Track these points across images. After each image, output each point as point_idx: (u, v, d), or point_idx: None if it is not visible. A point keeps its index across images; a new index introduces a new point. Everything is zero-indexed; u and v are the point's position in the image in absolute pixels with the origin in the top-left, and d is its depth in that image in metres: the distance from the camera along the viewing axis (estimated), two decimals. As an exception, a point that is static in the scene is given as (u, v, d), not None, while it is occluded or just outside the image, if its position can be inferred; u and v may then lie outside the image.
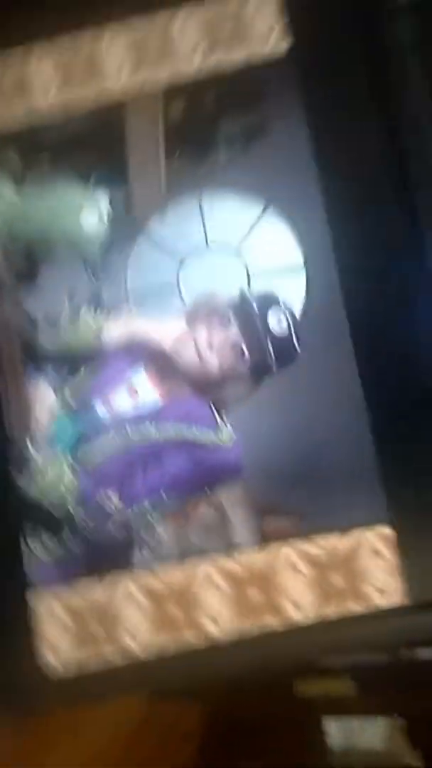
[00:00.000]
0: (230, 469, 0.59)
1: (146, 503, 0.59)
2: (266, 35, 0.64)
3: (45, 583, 0.60)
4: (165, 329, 0.62)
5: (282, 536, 0.58)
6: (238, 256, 0.62)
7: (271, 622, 0.58)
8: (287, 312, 0.60)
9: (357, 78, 0.62)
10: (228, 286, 0.62)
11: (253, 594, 0.58)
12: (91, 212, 0.63)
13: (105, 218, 0.63)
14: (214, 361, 0.60)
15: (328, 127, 0.62)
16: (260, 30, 0.64)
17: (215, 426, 0.59)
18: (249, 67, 0.64)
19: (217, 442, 0.59)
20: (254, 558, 0.58)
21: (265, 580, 0.58)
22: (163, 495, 0.59)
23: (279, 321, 0.59)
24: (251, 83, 0.64)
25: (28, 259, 0.64)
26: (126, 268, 0.63)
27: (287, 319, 0.59)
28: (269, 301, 0.60)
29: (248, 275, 0.62)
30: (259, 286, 0.62)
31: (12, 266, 0.64)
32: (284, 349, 0.59)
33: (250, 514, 0.59)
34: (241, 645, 0.58)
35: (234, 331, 0.60)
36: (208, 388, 0.60)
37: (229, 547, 0.59)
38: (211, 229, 0.63)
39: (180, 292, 0.63)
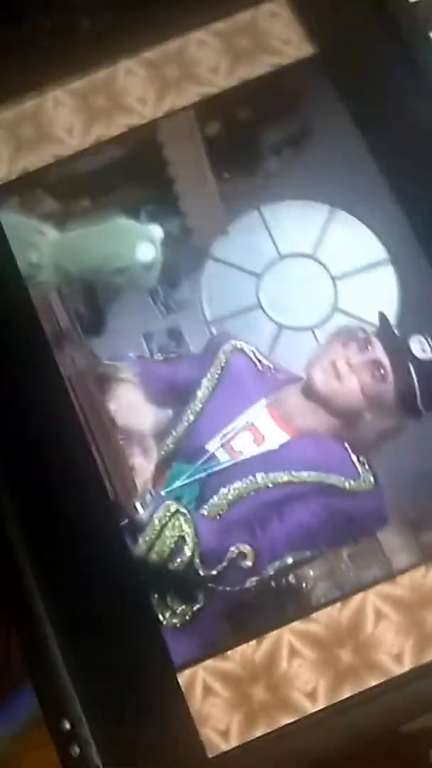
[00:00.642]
0: (374, 518, 0.53)
1: (285, 557, 0.52)
2: (286, 42, 0.62)
3: (189, 654, 0.51)
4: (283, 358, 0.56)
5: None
6: (316, 262, 0.58)
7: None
8: (430, 340, 0.55)
9: (387, 64, 0.61)
10: (314, 294, 0.58)
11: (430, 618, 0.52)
12: (145, 246, 0.58)
13: (163, 251, 0.58)
14: (354, 382, 0.54)
15: (372, 118, 0.60)
16: (279, 38, 0.63)
17: (355, 471, 0.54)
18: (276, 76, 0.62)
19: (358, 490, 0.53)
20: (419, 579, 0.52)
21: (438, 597, 0.52)
22: (303, 547, 0.52)
23: (422, 347, 0.54)
24: (282, 90, 0.62)
25: (89, 305, 0.58)
26: (200, 297, 0.58)
27: (431, 347, 0.55)
28: (410, 328, 0.56)
29: (332, 279, 0.58)
30: (346, 288, 0.58)
31: (74, 315, 0.57)
32: (429, 376, 0.54)
33: (404, 534, 0.53)
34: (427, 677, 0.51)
35: (375, 352, 0.55)
36: (347, 419, 0.55)
37: (390, 573, 0.52)
38: (280, 240, 0.59)
39: (264, 310, 0.58)
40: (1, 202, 0.59)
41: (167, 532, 0.53)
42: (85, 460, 0.55)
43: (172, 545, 0.52)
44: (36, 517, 0.54)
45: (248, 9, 0.63)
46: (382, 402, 0.54)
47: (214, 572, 0.52)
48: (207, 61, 0.63)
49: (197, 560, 0.52)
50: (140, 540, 0.53)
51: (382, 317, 0.56)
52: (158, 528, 0.53)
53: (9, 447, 0.54)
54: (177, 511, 0.53)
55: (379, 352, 0.55)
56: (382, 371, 0.54)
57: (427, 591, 0.52)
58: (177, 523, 0.53)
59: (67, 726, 0.50)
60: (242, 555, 0.52)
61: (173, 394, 0.57)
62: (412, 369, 0.54)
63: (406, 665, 0.51)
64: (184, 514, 0.53)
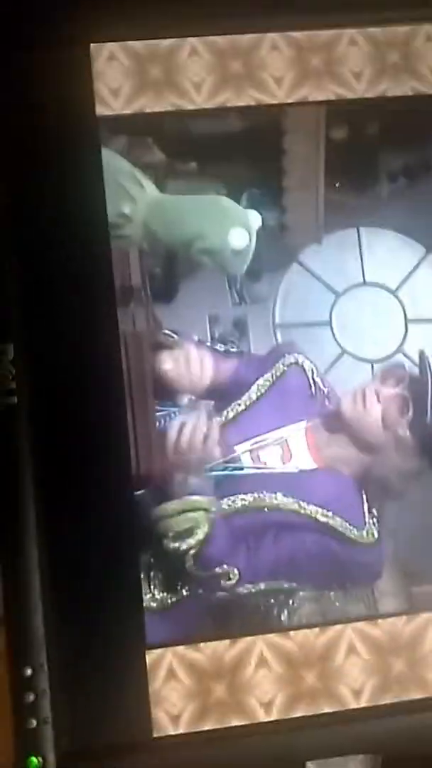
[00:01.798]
0: (367, 572, 0.54)
1: (261, 582, 0.53)
2: (433, 71, 0.59)
3: (163, 636, 0.51)
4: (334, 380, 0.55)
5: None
6: (396, 299, 0.57)
7: (418, 695, 0.52)
8: None
9: None
10: (384, 329, 0.57)
11: (397, 665, 0.53)
12: (241, 233, 0.55)
13: (254, 241, 0.56)
14: (377, 411, 0.54)
15: None
16: (429, 65, 0.60)
17: (361, 521, 0.54)
18: (414, 101, 0.59)
19: (360, 541, 0.53)
20: (400, 626, 0.53)
21: (411, 651, 0.53)
22: (284, 578, 0.53)
23: None
24: (417, 119, 0.59)
25: (165, 270, 0.55)
26: (276, 297, 0.56)
27: None
28: None
29: (406, 320, 0.57)
30: (417, 333, 0.57)
31: (147, 275, 0.55)
32: None
33: (397, 581, 0.53)
34: (379, 717, 0.52)
35: (404, 390, 0.55)
36: (369, 451, 0.55)
37: (373, 613, 0.53)
38: (369, 266, 0.57)
39: (333, 330, 0.56)
40: (108, 137, 0.56)
41: (184, 518, 0.52)
42: (117, 420, 0.53)
43: (183, 529, 0.52)
44: (51, 460, 0.52)
45: (408, 24, 0.60)
46: (403, 440, 0.54)
47: (203, 575, 0.52)
48: (353, 63, 0.59)
49: (196, 555, 0.52)
50: (157, 510, 0.52)
51: (421, 357, 0.56)
52: (179, 510, 0.52)
53: (46, 387, 0.52)
54: (202, 507, 0.52)
55: (410, 389, 0.55)
56: (407, 409, 0.54)
57: (402, 640, 0.53)
58: (199, 517, 0.52)
59: (28, 672, 0.50)
60: (226, 575, 0.52)
61: (222, 388, 0.56)
62: None
63: (363, 702, 0.53)
64: (207, 512, 0.52)
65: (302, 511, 0.53)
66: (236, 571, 0.52)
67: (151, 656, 0.52)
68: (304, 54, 0.59)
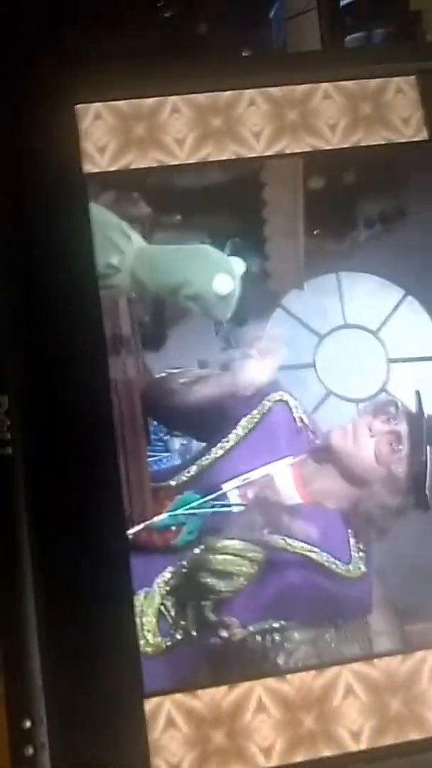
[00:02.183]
0: (355, 606, 0.54)
1: (262, 623, 0.52)
2: (406, 120, 0.62)
3: (161, 683, 0.51)
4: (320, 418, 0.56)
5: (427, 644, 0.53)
6: (377, 341, 0.59)
7: (416, 735, 0.52)
8: None
9: None
10: (367, 369, 0.58)
11: (395, 704, 0.52)
12: (225, 279, 0.57)
13: (239, 287, 0.57)
14: (369, 447, 0.55)
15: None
16: (400, 115, 0.62)
17: (348, 556, 0.54)
18: (387, 150, 0.61)
19: (347, 575, 0.54)
20: (396, 666, 0.53)
21: (407, 690, 0.53)
22: (280, 617, 0.53)
23: None
24: (392, 166, 0.61)
25: (154, 318, 0.56)
26: (261, 341, 0.57)
27: None
28: None
29: (388, 360, 0.58)
30: (399, 372, 0.58)
31: (137, 324, 0.56)
32: None
33: (390, 620, 0.54)
34: (379, 759, 0.52)
35: (397, 426, 0.55)
36: (357, 485, 0.55)
37: (369, 653, 0.53)
38: (349, 309, 0.59)
39: (317, 371, 0.58)
40: (96, 192, 0.57)
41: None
42: (109, 468, 0.54)
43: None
44: (47, 510, 0.52)
45: (379, 78, 0.63)
46: (393, 476, 0.55)
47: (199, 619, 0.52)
48: (328, 116, 0.62)
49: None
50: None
51: (417, 396, 0.57)
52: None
53: (41, 437, 0.53)
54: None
55: (402, 426, 0.55)
56: (400, 446, 0.55)
57: (398, 679, 0.53)
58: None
59: (28, 725, 0.49)
60: (223, 623, 0.52)
61: (208, 425, 0.56)
62: (429, 451, 0.55)
63: (362, 744, 0.52)
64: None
65: (289, 549, 0.53)
66: (234, 621, 0.52)
67: (149, 704, 0.51)
68: (281, 108, 0.62)
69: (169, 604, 0.53)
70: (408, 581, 0.55)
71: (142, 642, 0.52)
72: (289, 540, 0.53)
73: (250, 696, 0.52)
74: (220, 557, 0.52)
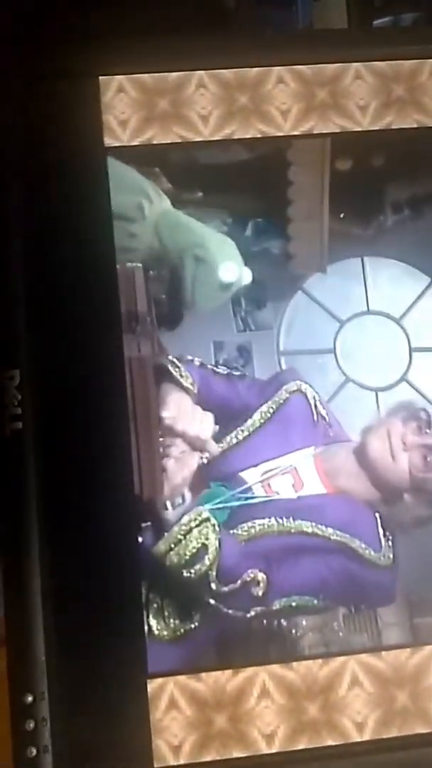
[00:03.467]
0: (382, 594, 0.53)
1: (293, 597, 0.50)
2: (439, 104, 0.59)
3: (166, 666, 0.49)
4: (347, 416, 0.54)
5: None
6: (400, 329, 0.56)
7: (421, 729, 0.50)
8: None
9: None
10: (388, 358, 0.55)
11: (401, 698, 0.50)
12: (231, 270, 0.55)
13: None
14: (404, 462, 0.53)
15: None
16: (433, 98, 0.59)
17: (377, 544, 0.53)
18: (420, 135, 0.58)
19: (377, 563, 0.52)
20: (404, 659, 0.51)
21: (414, 684, 0.51)
22: (312, 594, 0.51)
23: None
24: (421, 151, 0.58)
25: (171, 296, 0.54)
26: (280, 325, 0.55)
27: None
28: None
29: (410, 349, 0.55)
30: (421, 362, 0.55)
31: (153, 302, 0.54)
32: None
33: (401, 612, 0.51)
34: (383, 751, 0.50)
35: (431, 438, 0.53)
36: (388, 494, 0.53)
37: (377, 645, 0.51)
38: (373, 295, 0.56)
39: (336, 357, 0.55)
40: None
41: (192, 537, 0.51)
42: (120, 447, 0.52)
43: (194, 551, 0.51)
44: (56, 486, 0.51)
45: (413, 59, 0.59)
46: (424, 489, 0.53)
47: (225, 590, 0.51)
48: (359, 97, 0.59)
49: (213, 573, 0.51)
50: (161, 541, 0.50)
51: None
52: (185, 531, 0.50)
53: (52, 413, 0.51)
54: (207, 519, 0.50)
55: None
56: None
57: (406, 673, 0.51)
58: (204, 531, 0.51)
59: (29, 699, 0.48)
60: (255, 582, 0.51)
61: (223, 412, 0.55)
62: None
63: (366, 735, 0.51)
64: (213, 524, 0.51)
65: (320, 534, 0.52)
66: (263, 576, 0.50)
67: (152, 685, 0.50)
68: (311, 87, 0.59)
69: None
70: (421, 574, 0.53)
71: (161, 625, 0.51)
72: (320, 526, 0.52)
73: (254, 681, 0.51)
74: (184, 543, 0.50)
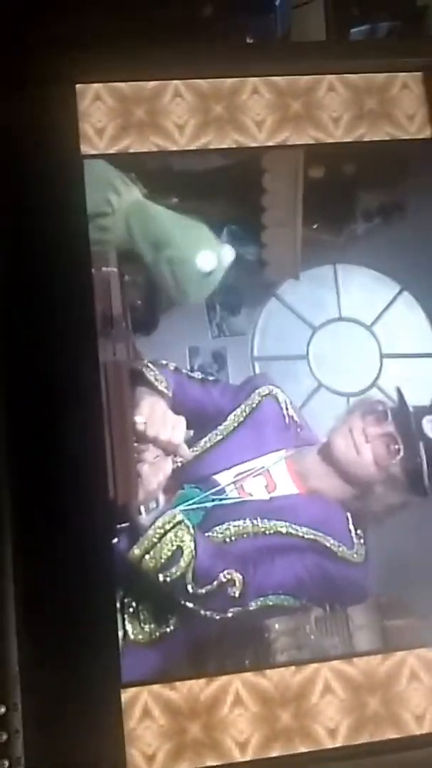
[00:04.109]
0: (355, 591, 0.53)
1: (269, 597, 0.50)
2: (411, 117, 0.60)
3: (140, 674, 0.48)
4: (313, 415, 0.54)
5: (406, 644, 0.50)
6: (371, 334, 0.56)
7: (392, 735, 0.49)
8: None
9: None
10: (360, 364, 0.55)
11: (372, 703, 0.50)
12: (210, 257, 0.55)
13: (232, 275, 0.55)
14: (369, 454, 0.53)
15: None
16: (405, 112, 0.60)
17: (350, 541, 0.53)
18: (390, 146, 0.59)
19: (350, 559, 0.52)
20: (375, 665, 0.50)
21: (386, 689, 0.50)
22: (288, 593, 0.50)
23: None
24: (391, 162, 0.59)
25: (146, 302, 0.54)
26: (254, 331, 0.55)
27: None
28: (426, 410, 0.54)
29: (381, 355, 0.56)
30: (391, 367, 0.56)
31: (128, 306, 0.53)
32: None
33: (371, 614, 0.51)
34: (355, 757, 0.49)
35: (390, 427, 0.53)
36: (358, 487, 0.53)
37: (349, 650, 0.50)
38: (344, 302, 0.56)
39: (309, 363, 0.55)
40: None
41: (167, 540, 0.50)
42: (95, 452, 0.51)
43: (169, 554, 0.50)
44: (29, 492, 0.50)
45: (385, 73, 0.60)
46: (393, 476, 0.53)
47: (202, 591, 0.50)
48: (332, 109, 0.59)
49: (189, 575, 0.50)
50: (136, 546, 0.49)
51: (399, 393, 0.54)
52: (159, 534, 0.50)
53: (24, 416, 0.50)
54: (181, 521, 0.50)
55: (393, 426, 0.53)
56: (396, 446, 0.53)
57: (377, 679, 0.51)
58: (179, 533, 0.50)
59: (2, 710, 0.46)
60: (232, 582, 0.50)
61: (197, 416, 0.54)
62: (422, 447, 0.53)
63: (338, 742, 0.50)
64: (187, 526, 0.50)
65: (293, 533, 0.52)
66: (239, 576, 0.50)
67: (126, 695, 0.48)
68: (285, 98, 0.59)
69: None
70: (391, 577, 0.53)
71: (137, 629, 0.50)
72: (294, 525, 0.52)
73: (227, 690, 0.50)
74: (159, 546, 0.50)
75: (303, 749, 0.50)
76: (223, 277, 0.55)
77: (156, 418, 0.51)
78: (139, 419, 0.51)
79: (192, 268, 0.55)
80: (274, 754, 0.49)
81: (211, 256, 0.55)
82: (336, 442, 0.54)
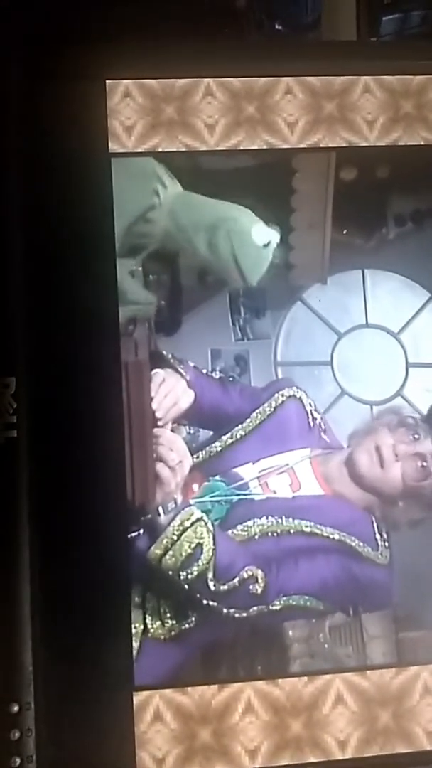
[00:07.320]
0: (381, 594, 0.49)
1: (292, 597, 0.46)
2: (445, 122, 0.54)
3: (159, 670, 0.45)
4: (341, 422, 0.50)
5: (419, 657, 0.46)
6: (397, 343, 0.52)
7: (403, 749, 0.46)
8: None
9: None
10: (385, 372, 0.51)
11: (384, 717, 0.46)
12: (265, 231, 0.51)
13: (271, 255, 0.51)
14: (397, 471, 0.49)
15: None
16: (439, 115, 0.55)
17: (375, 543, 0.49)
18: (426, 151, 0.54)
19: (375, 560, 0.49)
20: (388, 679, 0.47)
21: (398, 704, 0.46)
22: (311, 594, 0.47)
23: None
24: (426, 167, 0.54)
25: (171, 302, 0.50)
26: (278, 335, 0.51)
27: None
28: None
29: (407, 364, 0.51)
30: (417, 377, 0.51)
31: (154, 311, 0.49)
32: None
33: (386, 625, 0.47)
34: (365, 771, 0.46)
35: (422, 446, 0.49)
36: (382, 500, 0.49)
37: (363, 661, 0.47)
38: (372, 308, 0.52)
39: (333, 370, 0.51)
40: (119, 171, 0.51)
41: (187, 537, 0.46)
42: (115, 454, 0.48)
43: (190, 551, 0.47)
44: (49, 495, 0.47)
45: (423, 75, 0.55)
46: (420, 494, 0.49)
47: (224, 588, 0.47)
48: (366, 111, 0.55)
49: (210, 572, 0.47)
50: (155, 545, 0.47)
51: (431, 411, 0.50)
52: (179, 531, 0.46)
53: (47, 421, 0.47)
54: (199, 518, 0.46)
55: (426, 445, 0.49)
56: (425, 463, 0.49)
57: (390, 692, 0.47)
58: (199, 530, 0.47)
59: (15, 709, 0.44)
60: (253, 578, 0.47)
61: (218, 416, 0.50)
62: None
63: (348, 753, 0.47)
64: (205, 523, 0.47)
65: (318, 533, 0.49)
66: (261, 573, 0.47)
67: (138, 698, 0.46)
68: (319, 99, 0.55)
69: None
70: (408, 589, 0.49)
71: (157, 623, 0.47)
72: (319, 525, 0.48)
73: (239, 697, 0.46)
74: (178, 544, 0.46)
75: (313, 759, 0.47)
76: (273, 256, 0.51)
77: (169, 385, 0.48)
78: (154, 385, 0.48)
79: (251, 240, 0.51)
80: (283, 762, 0.46)
81: (265, 228, 0.51)
82: (360, 458, 0.50)
